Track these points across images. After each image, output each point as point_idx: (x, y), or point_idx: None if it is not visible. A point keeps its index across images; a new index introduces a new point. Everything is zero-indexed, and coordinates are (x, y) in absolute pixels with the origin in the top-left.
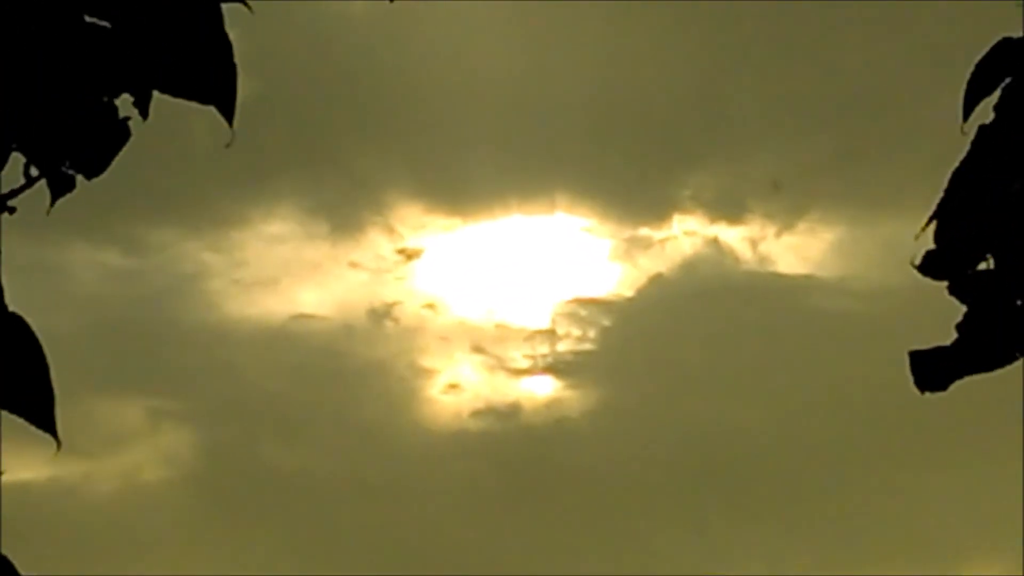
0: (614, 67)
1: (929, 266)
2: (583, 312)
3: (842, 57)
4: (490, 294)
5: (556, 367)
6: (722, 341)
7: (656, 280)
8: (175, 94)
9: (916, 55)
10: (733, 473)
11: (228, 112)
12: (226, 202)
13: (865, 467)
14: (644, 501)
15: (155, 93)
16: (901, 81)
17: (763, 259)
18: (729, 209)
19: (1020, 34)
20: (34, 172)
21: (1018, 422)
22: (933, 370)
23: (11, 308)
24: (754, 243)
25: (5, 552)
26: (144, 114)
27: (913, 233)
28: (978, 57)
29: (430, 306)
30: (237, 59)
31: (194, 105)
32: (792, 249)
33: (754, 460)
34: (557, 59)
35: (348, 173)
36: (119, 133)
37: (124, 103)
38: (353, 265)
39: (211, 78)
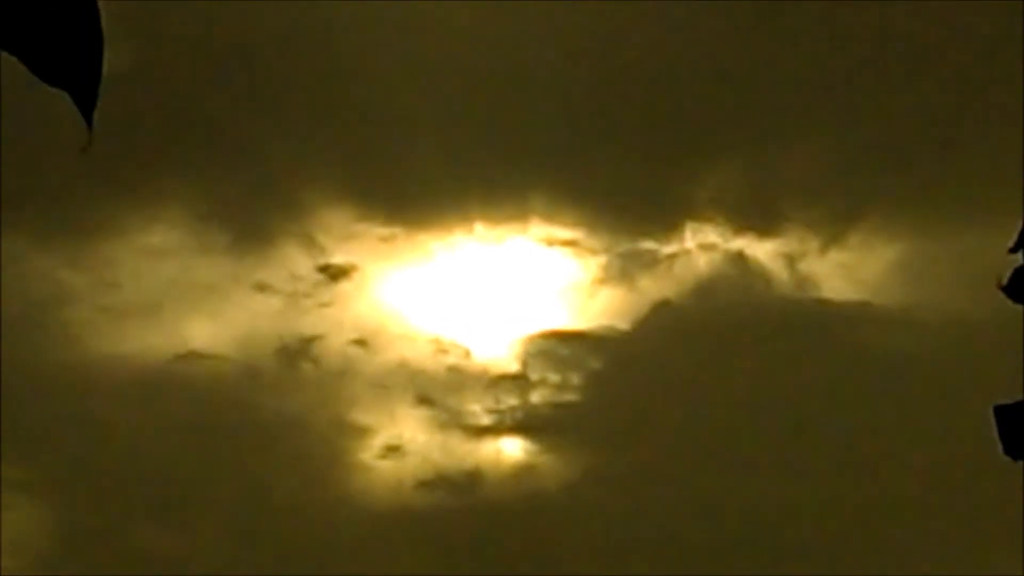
0: (607, 35)
1: (1021, 288)
2: (563, 351)
3: (906, 25)
4: (442, 327)
5: (528, 424)
6: (748, 389)
7: (662, 309)
8: (20, 58)
9: (1006, 24)
10: (761, 558)
11: (87, 100)
12: (92, 204)
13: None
14: None
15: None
16: (988, 53)
17: (803, 281)
18: (758, 215)
19: None
20: None
21: None
22: None
23: None
24: (791, 260)
25: None
26: None
27: (1000, 247)
28: None
29: (361, 342)
30: (111, 19)
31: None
32: (841, 269)
33: (791, 547)
34: (533, 25)
35: (254, 167)
36: None
37: None
38: (260, 287)
39: (64, 47)
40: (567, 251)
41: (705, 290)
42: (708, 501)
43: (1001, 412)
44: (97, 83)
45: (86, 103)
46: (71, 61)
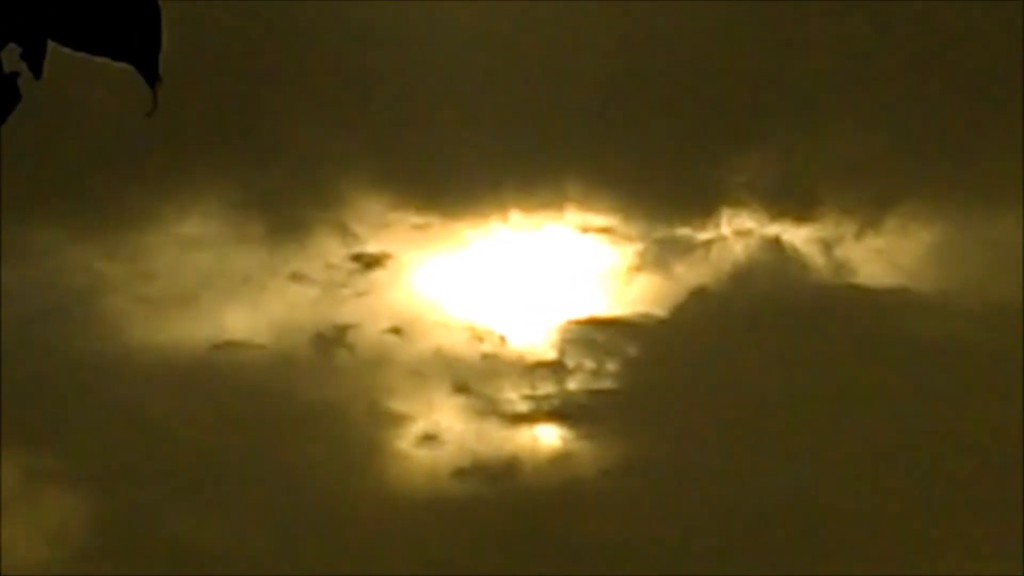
0: (642, 19)
1: None
2: (600, 338)
3: (944, 11)
4: (477, 314)
5: (565, 412)
6: (785, 376)
7: (698, 295)
8: (76, 46)
9: None
10: (800, 549)
11: (150, 70)
12: (129, 195)
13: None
14: None
15: (51, 45)
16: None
17: (840, 267)
18: (795, 201)
19: None
20: None
21: None
22: None
23: None
24: (827, 246)
25: None
26: (36, 70)
27: None
28: None
29: (396, 331)
30: None
31: (92, 64)
32: (878, 254)
33: (831, 533)
34: (566, 12)
35: (289, 157)
36: (6, 94)
37: (10, 55)
38: (295, 277)
39: (125, 24)
40: (603, 238)
41: (741, 276)
42: (744, 488)
43: None
44: (156, 48)
45: (150, 69)
46: (128, 31)
